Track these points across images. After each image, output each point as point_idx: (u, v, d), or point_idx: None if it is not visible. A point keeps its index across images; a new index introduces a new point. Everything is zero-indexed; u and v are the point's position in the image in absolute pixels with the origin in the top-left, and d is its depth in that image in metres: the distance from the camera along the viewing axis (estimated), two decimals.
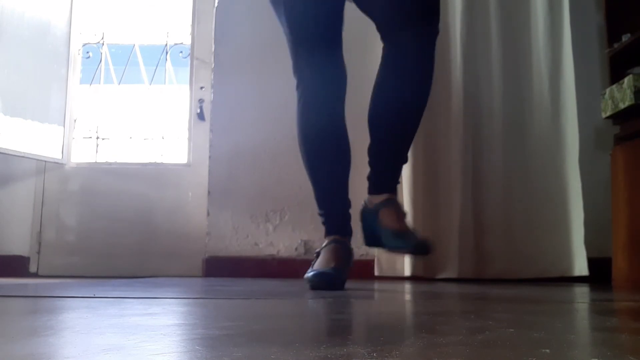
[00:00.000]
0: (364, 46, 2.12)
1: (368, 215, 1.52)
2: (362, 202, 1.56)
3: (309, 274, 1.45)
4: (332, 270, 1.44)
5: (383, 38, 1.51)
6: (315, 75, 1.53)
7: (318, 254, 1.55)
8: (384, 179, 1.52)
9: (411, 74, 1.47)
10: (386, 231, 1.45)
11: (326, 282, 1.41)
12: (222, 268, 2.41)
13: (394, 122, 1.50)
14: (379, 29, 1.51)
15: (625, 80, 1.83)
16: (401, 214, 1.48)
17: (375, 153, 1.52)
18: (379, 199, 1.49)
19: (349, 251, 1.55)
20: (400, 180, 1.58)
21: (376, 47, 1.57)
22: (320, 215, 1.59)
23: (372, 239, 1.52)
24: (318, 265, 1.49)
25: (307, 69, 1.52)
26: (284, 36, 1.56)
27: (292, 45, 1.54)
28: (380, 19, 1.50)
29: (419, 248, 1.41)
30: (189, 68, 2.88)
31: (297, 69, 1.55)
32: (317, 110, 1.54)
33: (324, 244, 1.55)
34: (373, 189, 1.52)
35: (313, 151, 1.57)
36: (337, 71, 1.55)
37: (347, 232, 1.58)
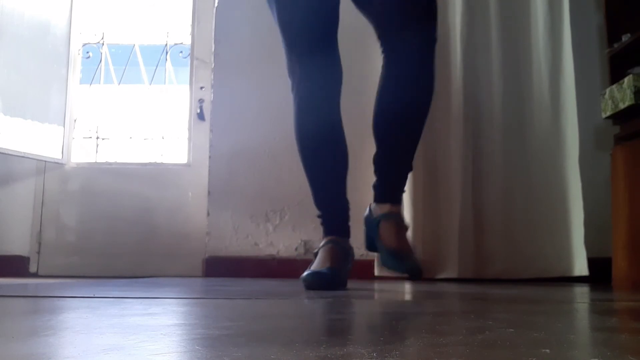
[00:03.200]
0: (362, 45, 2.11)
1: (370, 225, 1.53)
2: (368, 208, 1.56)
3: (304, 273, 1.46)
4: (327, 270, 1.44)
5: (381, 43, 1.51)
6: (309, 76, 1.51)
7: (316, 255, 1.55)
8: (388, 188, 1.52)
9: (411, 82, 1.48)
10: (384, 248, 1.46)
11: (320, 282, 1.42)
12: (222, 268, 2.41)
13: (397, 131, 1.51)
14: (377, 32, 1.51)
15: (625, 80, 1.83)
16: (402, 230, 1.49)
17: (380, 162, 1.53)
18: (382, 209, 1.50)
19: (346, 251, 1.55)
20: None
21: (374, 46, 1.56)
22: (319, 216, 1.59)
23: (372, 247, 1.54)
24: (315, 266, 1.49)
25: (300, 70, 1.51)
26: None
27: (285, 46, 1.53)
28: (378, 21, 1.51)
29: (412, 272, 1.43)
30: (189, 68, 2.88)
31: (291, 70, 1.54)
32: (313, 111, 1.53)
33: (321, 244, 1.55)
34: (377, 198, 1.53)
35: (310, 152, 1.56)
36: (331, 71, 1.53)
37: (345, 233, 1.58)
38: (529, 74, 2.32)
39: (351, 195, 1.61)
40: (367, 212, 1.56)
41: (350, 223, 1.60)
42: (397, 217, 1.50)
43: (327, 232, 1.56)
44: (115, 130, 2.95)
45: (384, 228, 1.47)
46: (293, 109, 1.55)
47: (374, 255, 2.29)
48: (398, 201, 1.52)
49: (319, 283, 1.42)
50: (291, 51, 1.52)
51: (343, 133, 1.57)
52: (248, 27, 2.54)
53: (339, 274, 1.48)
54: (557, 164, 2.25)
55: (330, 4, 1.54)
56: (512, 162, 2.29)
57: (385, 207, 1.50)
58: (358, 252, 2.15)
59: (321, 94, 1.53)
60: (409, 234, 2.25)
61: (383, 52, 1.52)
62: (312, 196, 1.60)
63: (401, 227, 1.50)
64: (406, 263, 1.42)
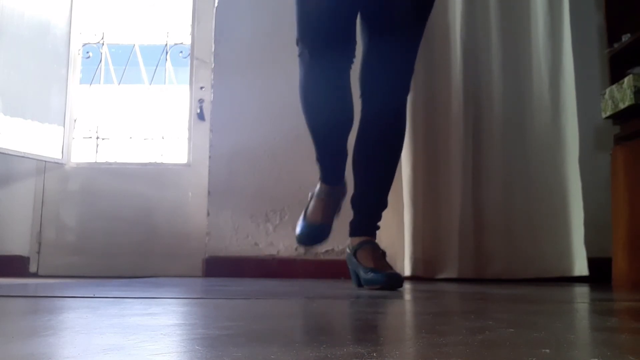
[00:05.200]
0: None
1: (351, 260, 1.61)
2: (347, 249, 1.65)
3: (299, 228, 1.66)
4: (318, 226, 1.63)
5: (360, 86, 1.58)
6: (323, 36, 1.49)
7: (311, 198, 1.68)
8: (364, 224, 1.62)
9: (386, 131, 1.61)
10: (361, 269, 1.54)
11: (312, 239, 1.66)
12: (222, 268, 2.41)
13: (373, 173, 1.64)
14: (361, 71, 1.58)
15: (625, 80, 1.83)
16: (378, 253, 1.57)
17: (357, 201, 1.63)
18: (357, 240, 1.60)
19: (338, 200, 1.67)
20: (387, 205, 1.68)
21: None
22: (318, 161, 1.65)
23: (357, 280, 1.59)
24: (309, 215, 1.65)
25: (312, 30, 1.48)
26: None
27: (298, 27, 1.50)
28: (365, 46, 1.57)
29: (390, 282, 1.47)
30: (189, 68, 2.88)
31: (303, 38, 1.50)
32: (322, 72, 1.52)
33: (317, 191, 1.66)
34: (353, 232, 1.62)
35: (316, 109, 1.57)
36: (347, 41, 1.52)
37: (340, 180, 1.67)
38: (529, 74, 2.32)
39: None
40: (347, 250, 1.65)
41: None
42: (373, 244, 1.59)
43: (325, 180, 1.66)
44: (115, 130, 2.95)
45: (361, 254, 1.57)
46: (299, 73, 1.53)
47: None
48: (373, 234, 1.63)
49: (311, 240, 1.67)
50: (304, 41, 1.50)
51: (350, 93, 1.57)
52: (248, 27, 2.54)
53: (328, 228, 1.65)
54: (557, 164, 2.24)
55: (350, 7, 1.53)
56: (512, 162, 2.29)
57: (361, 238, 1.60)
58: None
59: (332, 53, 1.51)
60: (409, 233, 2.26)
61: (361, 96, 1.59)
62: (314, 146, 1.63)
63: (377, 250, 1.58)
64: (384, 274, 1.48)
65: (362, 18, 1.58)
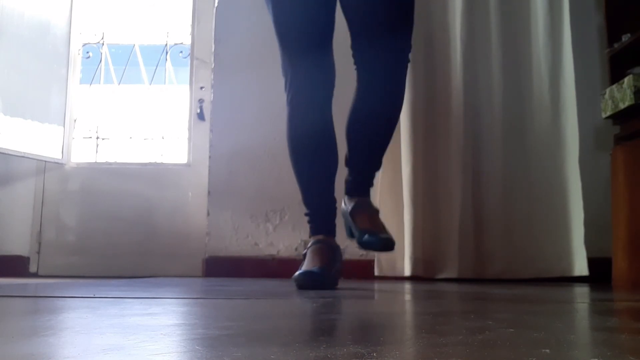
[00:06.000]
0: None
1: (346, 215, 1.62)
2: (342, 201, 1.64)
3: (296, 274, 1.51)
4: (317, 269, 1.49)
5: (353, 55, 1.55)
6: (301, 78, 1.56)
7: (304, 256, 1.60)
8: (358, 184, 1.62)
9: (380, 98, 1.56)
10: (358, 229, 1.56)
11: (312, 282, 1.47)
12: (222, 268, 2.41)
13: (366, 141, 1.61)
14: (352, 42, 1.56)
15: (625, 80, 1.83)
16: (373, 213, 1.59)
17: (351, 162, 1.62)
18: (353, 200, 1.60)
19: (334, 249, 1.60)
20: (377, 182, 1.70)
21: None
22: (307, 215, 1.65)
23: (350, 233, 1.62)
24: (305, 266, 1.54)
25: (292, 71, 1.56)
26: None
27: (279, 45, 1.58)
28: (353, 28, 1.56)
29: (386, 244, 1.51)
30: (189, 68, 2.88)
31: (284, 69, 1.59)
32: (304, 110, 1.58)
33: (309, 245, 1.61)
34: (348, 191, 1.62)
35: (301, 151, 1.62)
36: (324, 73, 1.57)
37: (332, 232, 1.63)
38: (529, 74, 2.32)
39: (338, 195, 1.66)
40: (342, 205, 1.64)
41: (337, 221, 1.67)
42: (367, 204, 1.60)
43: (315, 231, 1.63)
44: (115, 130, 2.95)
45: (357, 214, 1.57)
46: (287, 108, 1.59)
47: (374, 256, 2.30)
48: (367, 193, 1.63)
49: (311, 283, 1.46)
50: (284, 52, 1.58)
51: (334, 134, 1.62)
52: (248, 27, 2.54)
53: (329, 273, 1.53)
54: (557, 164, 2.24)
55: (326, 10, 1.57)
56: (512, 162, 2.29)
57: (356, 199, 1.60)
58: (358, 252, 2.16)
59: (313, 94, 1.57)
60: (409, 233, 2.26)
61: (355, 63, 1.57)
62: (302, 195, 1.66)
63: (372, 211, 1.59)
64: (379, 237, 1.51)
65: (345, 13, 1.58)
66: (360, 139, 1.59)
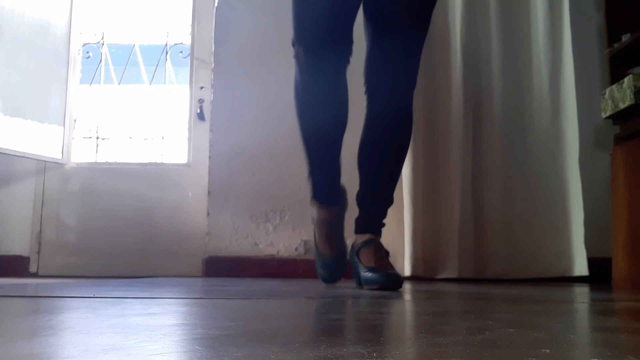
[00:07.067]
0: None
1: (352, 255, 1.59)
2: (350, 247, 1.63)
3: (317, 266, 1.67)
4: (332, 260, 1.64)
5: (365, 82, 1.56)
6: (318, 45, 1.47)
7: (314, 223, 1.66)
8: (369, 222, 1.60)
9: (391, 126, 1.58)
10: (362, 268, 1.52)
11: (332, 274, 1.65)
12: (222, 268, 2.41)
13: (378, 170, 1.61)
14: (365, 67, 1.56)
15: (625, 80, 1.83)
16: (381, 253, 1.54)
17: (362, 198, 1.61)
18: (362, 238, 1.57)
19: (340, 223, 1.64)
20: (393, 200, 1.65)
21: None
22: (310, 175, 1.60)
23: (358, 280, 1.56)
24: (320, 247, 1.65)
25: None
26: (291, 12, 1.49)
27: (294, 28, 1.47)
28: (370, 39, 1.56)
29: (389, 282, 1.44)
30: (189, 68, 2.88)
31: (299, 38, 1.47)
32: (317, 72, 1.49)
33: (315, 217, 1.63)
34: (358, 230, 1.60)
35: (310, 109, 1.53)
36: (341, 47, 1.48)
37: (336, 200, 1.62)
38: (529, 74, 2.32)
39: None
40: (350, 248, 1.63)
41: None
42: (377, 243, 1.56)
43: (319, 197, 1.61)
44: (115, 130, 2.95)
45: (363, 253, 1.54)
46: (295, 74, 1.51)
47: None
48: (378, 232, 1.59)
49: (332, 276, 1.65)
50: (299, 40, 1.47)
51: (346, 95, 1.54)
52: (248, 27, 2.54)
53: (342, 260, 1.65)
54: (557, 164, 2.25)
55: (350, 6, 1.51)
56: (512, 162, 2.29)
57: (365, 236, 1.57)
58: None
59: (327, 65, 1.49)
60: (409, 233, 2.26)
61: (366, 92, 1.57)
62: (306, 155, 1.58)
63: (380, 251, 1.54)
64: (383, 273, 1.45)
65: (365, 17, 1.57)
66: (372, 172, 1.59)
